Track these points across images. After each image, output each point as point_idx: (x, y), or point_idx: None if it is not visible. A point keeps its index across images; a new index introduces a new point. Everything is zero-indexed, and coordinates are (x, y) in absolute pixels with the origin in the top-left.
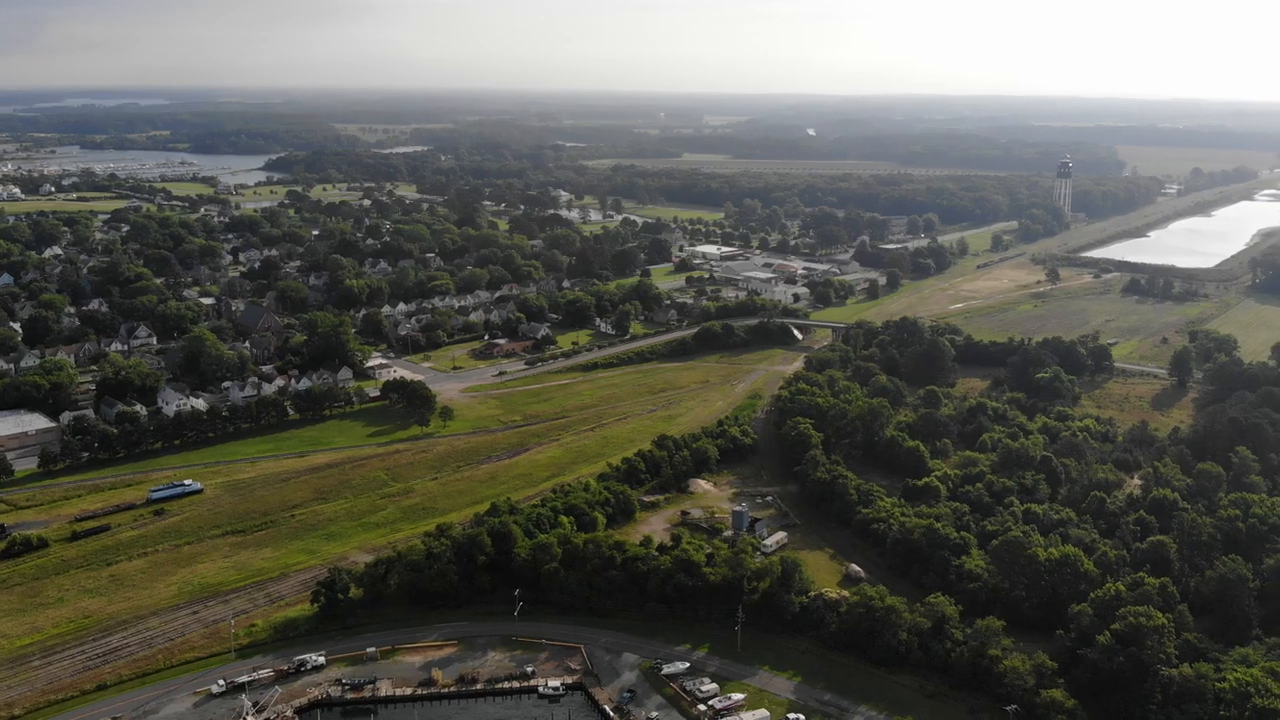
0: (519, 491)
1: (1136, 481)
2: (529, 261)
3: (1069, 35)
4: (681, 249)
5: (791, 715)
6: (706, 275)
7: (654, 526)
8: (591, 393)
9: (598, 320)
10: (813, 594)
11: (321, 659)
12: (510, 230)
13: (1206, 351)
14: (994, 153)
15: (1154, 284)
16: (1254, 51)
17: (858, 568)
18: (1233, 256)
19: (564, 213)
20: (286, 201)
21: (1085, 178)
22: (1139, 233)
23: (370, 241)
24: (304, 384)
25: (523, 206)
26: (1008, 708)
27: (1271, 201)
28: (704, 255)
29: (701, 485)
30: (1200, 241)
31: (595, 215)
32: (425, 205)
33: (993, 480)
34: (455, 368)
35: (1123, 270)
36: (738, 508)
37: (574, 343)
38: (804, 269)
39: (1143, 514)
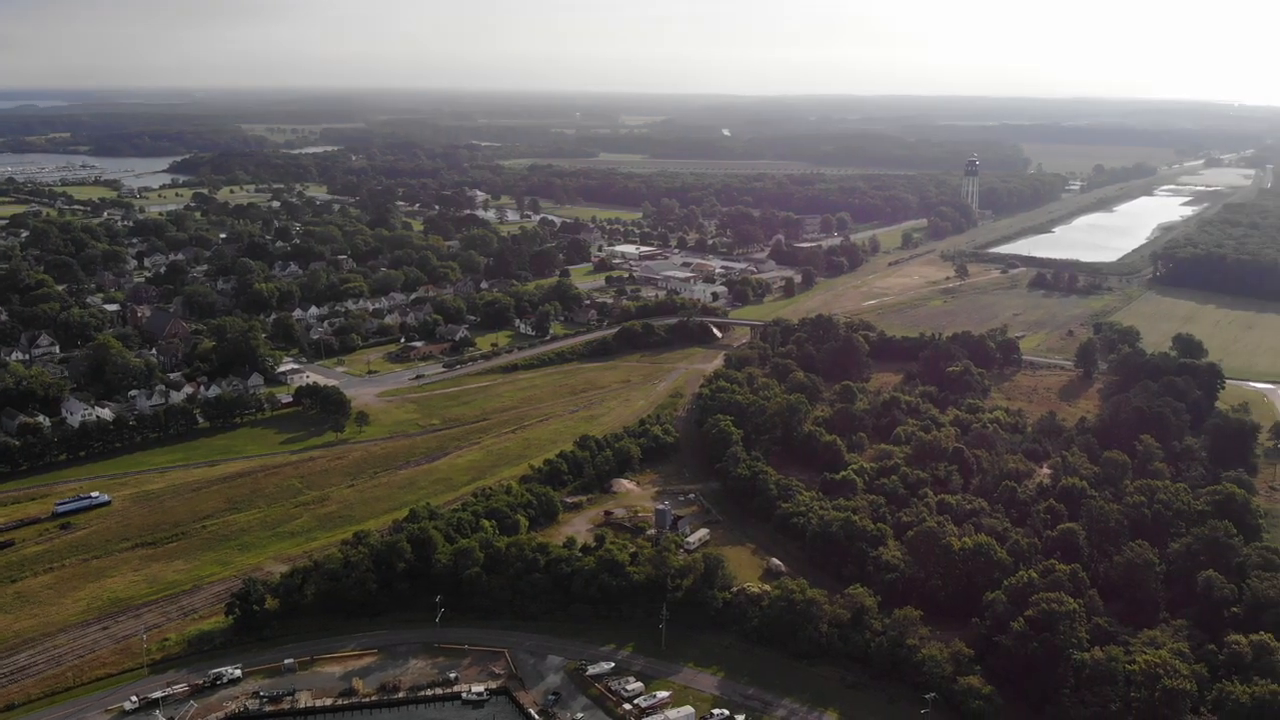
0: (439, 496)
1: (1046, 471)
2: (445, 263)
3: (974, 37)
4: (600, 249)
5: (716, 711)
6: (626, 275)
7: (577, 527)
8: (512, 394)
9: (517, 321)
10: (735, 589)
11: (238, 672)
12: (425, 231)
13: (1111, 343)
14: (903, 152)
15: (1059, 278)
16: (1152, 51)
17: (778, 562)
18: (1134, 250)
19: (480, 213)
20: (193, 204)
21: (992, 175)
22: (1044, 228)
23: (280, 244)
24: (213, 391)
25: (438, 207)
26: (926, 696)
27: (1170, 197)
28: (623, 255)
29: (624, 485)
30: (1103, 236)
31: (512, 215)
32: (336, 206)
33: (907, 472)
34: (370, 371)
35: (1029, 265)
36: (661, 506)
37: (493, 344)
38: (722, 268)
39: (1052, 502)
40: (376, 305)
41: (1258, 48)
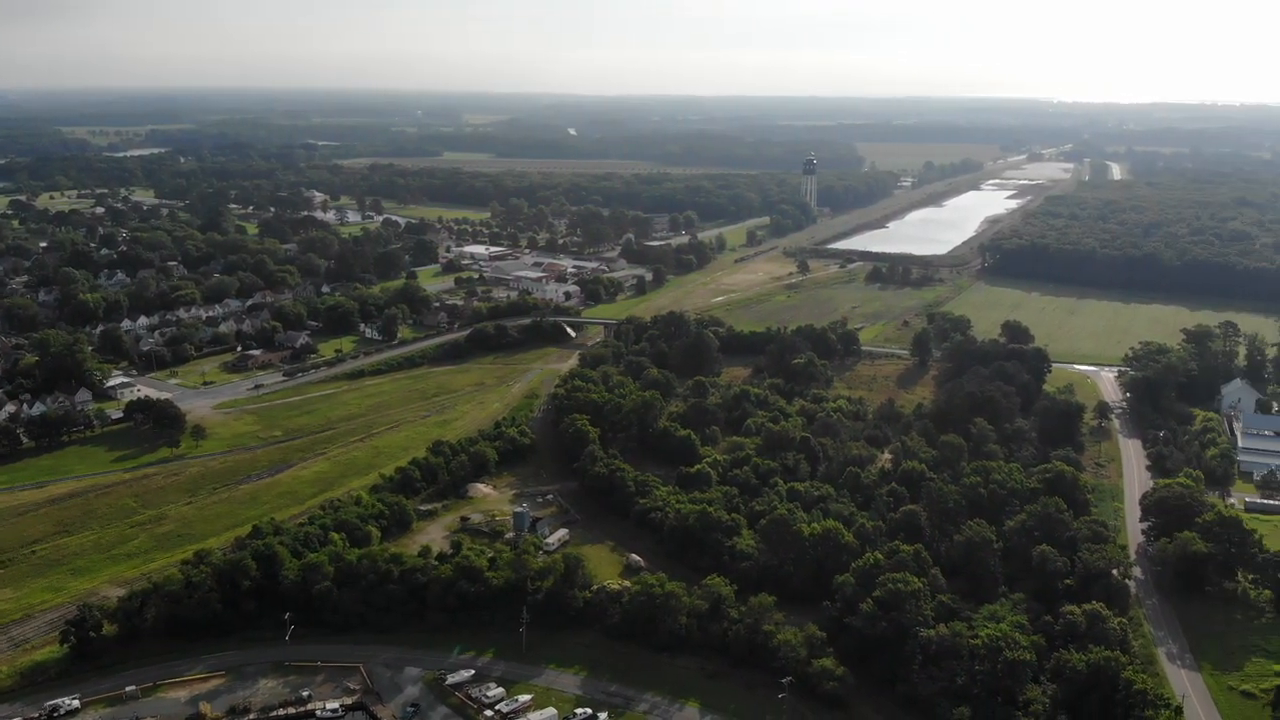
0: (284, 510)
1: (887, 456)
2: (283, 267)
3: (806, 38)
4: (449, 249)
5: (579, 710)
6: (476, 276)
7: (432, 535)
8: (359, 402)
9: (362, 326)
10: (596, 588)
11: (76, 703)
12: (261, 234)
13: (944, 332)
14: (745, 152)
15: (894, 271)
16: (974, 53)
17: (637, 557)
18: (963, 243)
19: (319, 214)
20: (9, 212)
21: (828, 173)
22: (879, 224)
23: (105, 252)
24: (38, 409)
25: (273, 209)
26: (783, 680)
27: (996, 191)
28: (472, 255)
29: (481, 489)
30: (934, 230)
31: (354, 216)
32: (165, 211)
33: (758, 463)
34: (206, 383)
35: (866, 260)
36: (518, 509)
37: (337, 350)
38: (573, 267)
39: (895, 486)
40: (210, 313)
41: (1072, 48)
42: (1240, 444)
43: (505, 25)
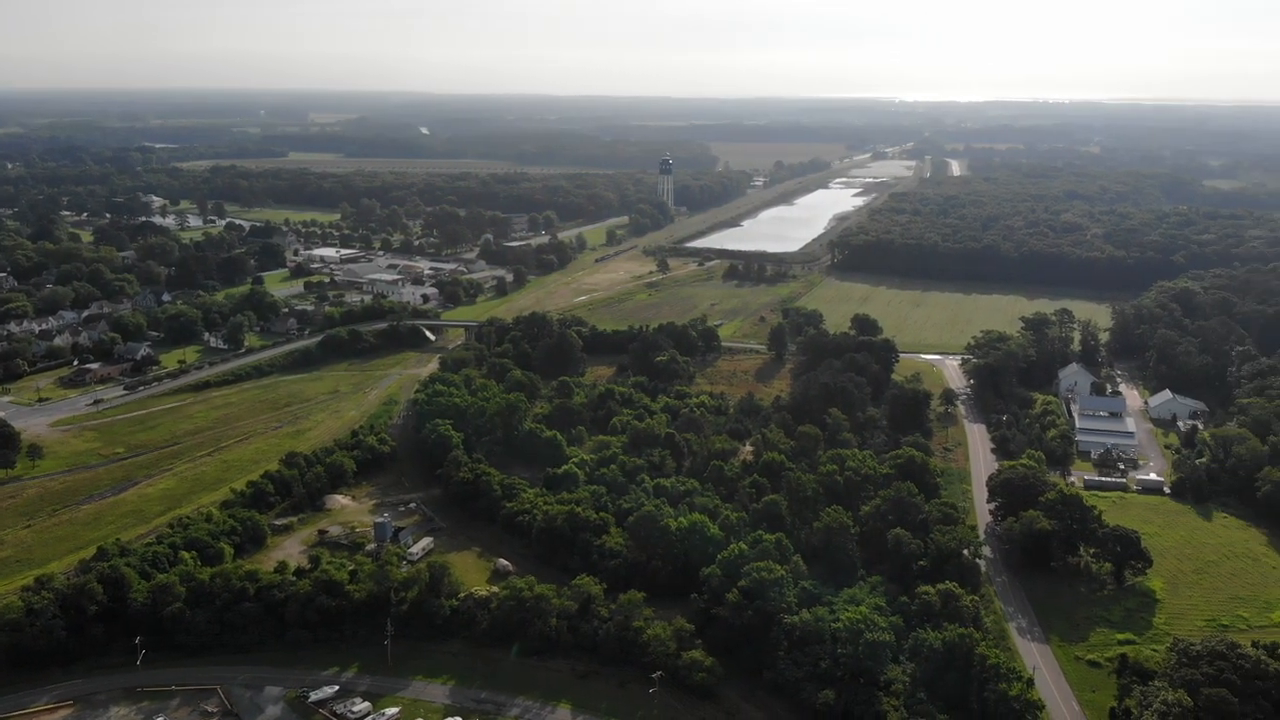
0: (130, 530)
1: (748, 448)
2: (121, 275)
3: (657, 39)
4: (297, 253)
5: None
6: (327, 280)
7: (289, 550)
8: (206, 414)
9: (207, 335)
10: (463, 595)
11: None
12: (96, 242)
13: (798, 326)
14: (601, 151)
15: (750, 269)
16: (817, 54)
17: (506, 562)
18: (814, 240)
19: (158, 219)
20: None
21: (684, 173)
22: (734, 223)
23: None
24: None
25: (109, 215)
26: (654, 675)
27: (843, 189)
28: (323, 259)
29: (339, 500)
30: (786, 228)
31: (195, 221)
32: None
33: (625, 460)
34: (41, 399)
35: (723, 258)
36: (379, 519)
37: (181, 361)
38: (431, 269)
39: (756, 477)
40: (44, 326)
41: (911, 48)
42: (1078, 425)
43: (353, 22)
